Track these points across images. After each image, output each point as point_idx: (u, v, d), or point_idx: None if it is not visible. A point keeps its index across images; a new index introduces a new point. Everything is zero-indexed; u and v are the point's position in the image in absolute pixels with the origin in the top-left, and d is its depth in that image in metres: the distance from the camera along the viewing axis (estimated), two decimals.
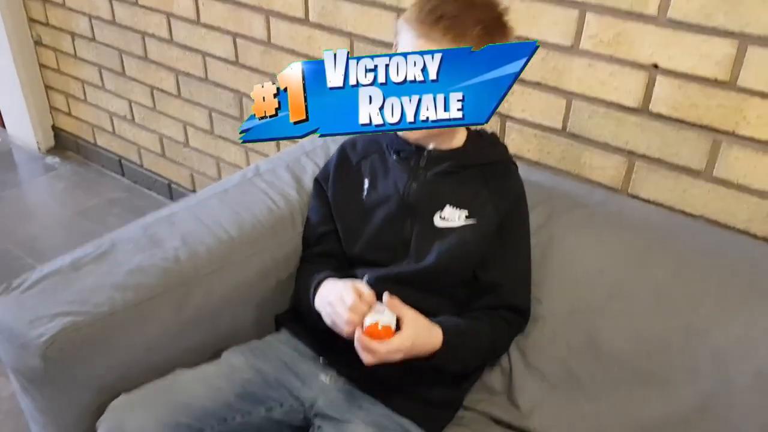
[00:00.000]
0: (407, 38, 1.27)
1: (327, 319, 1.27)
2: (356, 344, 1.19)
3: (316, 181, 1.56)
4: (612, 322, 1.38)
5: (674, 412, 1.30)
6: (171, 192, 3.03)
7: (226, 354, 1.38)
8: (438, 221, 1.38)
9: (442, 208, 1.38)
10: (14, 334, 1.24)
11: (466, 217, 1.37)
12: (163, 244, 1.42)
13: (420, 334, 1.22)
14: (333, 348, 1.39)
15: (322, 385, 1.37)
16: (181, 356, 1.37)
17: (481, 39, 1.22)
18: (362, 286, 1.24)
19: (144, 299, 1.32)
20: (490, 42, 1.23)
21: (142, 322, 1.32)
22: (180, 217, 1.51)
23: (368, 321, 1.19)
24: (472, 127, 1.46)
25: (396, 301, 1.21)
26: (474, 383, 1.46)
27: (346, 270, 1.43)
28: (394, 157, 1.43)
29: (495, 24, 1.28)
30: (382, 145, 1.47)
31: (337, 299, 1.24)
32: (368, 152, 1.49)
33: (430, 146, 1.40)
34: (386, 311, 1.20)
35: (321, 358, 1.40)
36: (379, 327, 1.18)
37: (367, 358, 1.19)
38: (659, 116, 1.53)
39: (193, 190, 2.90)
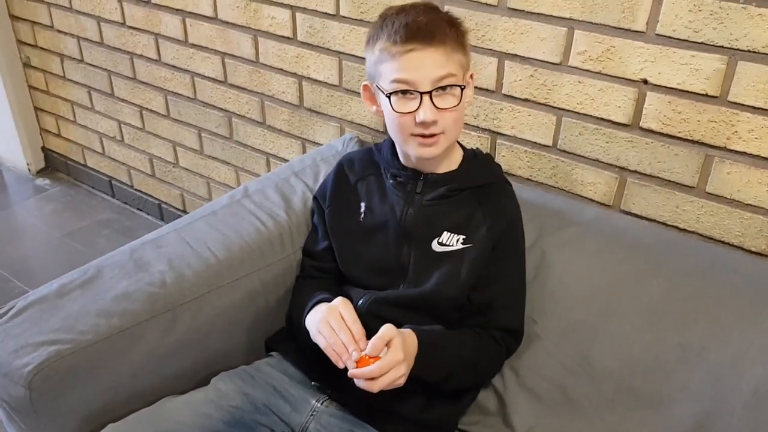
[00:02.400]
0: (394, 64, 1.26)
1: (319, 343, 1.25)
2: (356, 379, 1.17)
3: (315, 198, 1.56)
4: (606, 342, 1.36)
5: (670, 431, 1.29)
6: (161, 212, 3.01)
7: (214, 380, 1.36)
8: (436, 246, 1.37)
9: (440, 234, 1.37)
10: None
11: (463, 241, 1.35)
12: (149, 269, 1.41)
13: (406, 341, 1.20)
14: (325, 371, 1.37)
15: (313, 409, 1.34)
16: (169, 383, 1.35)
17: (456, 36, 1.28)
18: (352, 324, 1.22)
19: (130, 325, 1.30)
20: (462, 36, 1.30)
21: (128, 348, 1.30)
22: (167, 241, 1.50)
23: (356, 355, 1.18)
24: (467, 148, 1.46)
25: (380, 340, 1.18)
26: (468, 405, 1.44)
27: (341, 287, 1.44)
28: (391, 181, 1.42)
29: (456, 21, 1.32)
30: (380, 167, 1.46)
31: (329, 332, 1.22)
32: (365, 173, 1.48)
33: (427, 170, 1.39)
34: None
35: (313, 383, 1.38)
36: (369, 357, 1.17)
37: (370, 386, 1.16)
38: (650, 132, 1.52)
39: (184, 210, 2.88)
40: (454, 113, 1.28)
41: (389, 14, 1.30)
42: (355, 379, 1.17)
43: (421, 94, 1.25)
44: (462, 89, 1.27)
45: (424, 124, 1.26)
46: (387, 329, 1.18)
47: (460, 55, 1.28)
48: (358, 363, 1.17)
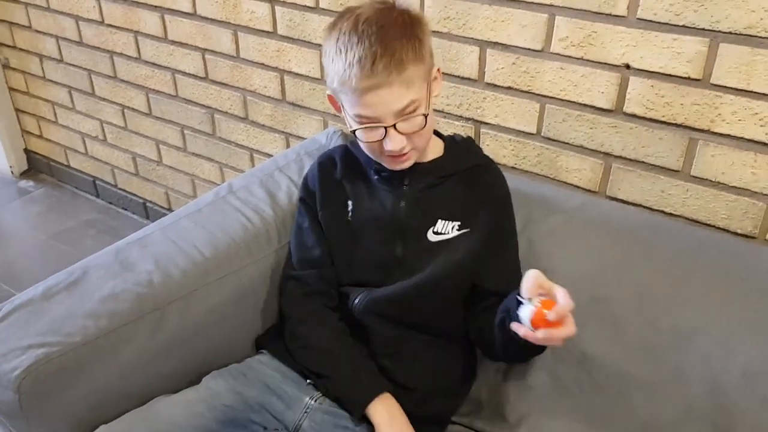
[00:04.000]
0: (354, 100, 1.23)
1: None
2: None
3: (302, 200, 1.51)
4: (596, 327, 1.37)
5: (662, 415, 1.29)
6: (147, 211, 2.99)
7: (206, 379, 1.35)
8: (432, 236, 1.36)
9: (434, 223, 1.36)
10: None
11: (459, 227, 1.35)
12: (135, 268, 1.39)
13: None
14: None
15: (307, 407, 1.34)
16: (160, 383, 1.34)
17: (414, 50, 1.22)
18: None
19: (117, 326, 1.28)
20: (420, 45, 1.23)
21: (117, 349, 1.28)
22: (152, 240, 1.48)
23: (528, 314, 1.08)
24: (446, 135, 1.45)
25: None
26: (464, 398, 1.45)
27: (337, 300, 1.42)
28: (376, 176, 1.41)
29: (410, 24, 1.25)
30: (361, 163, 1.44)
31: None
32: (348, 170, 1.46)
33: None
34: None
35: (308, 381, 1.37)
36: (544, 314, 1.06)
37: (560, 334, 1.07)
38: (634, 116, 1.52)
39: (169, 209, 2.87)
40: (423, 129, 1.27)
41: (341, 34, 1.24)
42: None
43: (386, 127, 1.24)
44: (425, 117, 1.25)
45: (392, 151, 1.27)
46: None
47: (420, 67, 1.23)
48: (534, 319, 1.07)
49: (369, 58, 1.18)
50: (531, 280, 1.09)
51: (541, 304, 1.06)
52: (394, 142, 1.25)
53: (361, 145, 1.33)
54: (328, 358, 1.35)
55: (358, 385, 1.30)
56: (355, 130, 1.28)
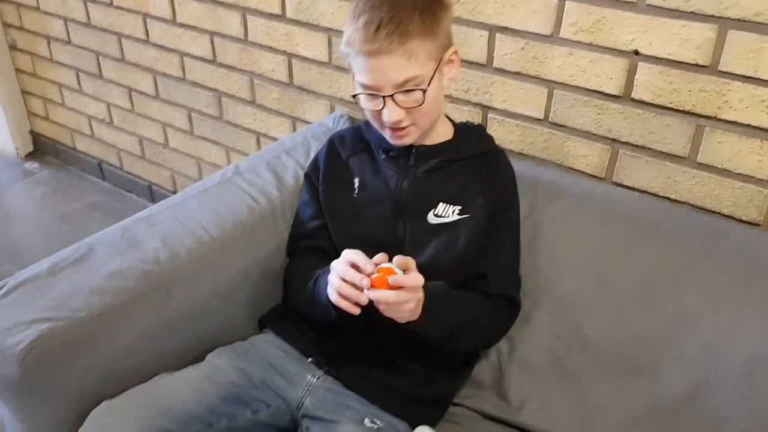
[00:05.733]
0: (358, 64, 1.25)
1: (334, 293, 1.19)
2: (374, 295, 1.14)
3: (307, 175, 1.54)
4: (600, 313, 1.37)
5: (663, 400, 1.30)
6: (152, 194, 3.00)
7: (210, 356, 1.36)
8: (432, 218, 1.36)
9: (435, 206, 1.37)
10: None
11: (459, 212, 1.35)
12: (142, 246, 1.40)
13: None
14: (322, 348, 1.38)
15: (309, 384, 1.34)
16: (164, 360, 1.35)
17: (424, 24, 1.22)
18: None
19: (123, 303, 1.29)
20: (434, 22, 1.23)
21: (122, 326, 1.29)
22: (159, 219, 1.49)
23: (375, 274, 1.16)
24: (458, 120, 1.46)
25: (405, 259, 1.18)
26: (465, 380, 1.45)
27: None
28: (383, 156, 1.41)
29: (429, 2, 1.26)
30: (371, 143, 1.45)
31: (341, 262, 1.20)
32: (356, 149, 1.48)
33: (418, 143, 1.38)
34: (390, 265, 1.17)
35: (309, 359, 1.38)
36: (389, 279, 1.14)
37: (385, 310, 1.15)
38: (641, 103, 1.52)
39: (174, 192, 2.86)
40: (423, 106, 1.27)
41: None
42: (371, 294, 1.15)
43: (384, 97, 1.25)
44: (424, 92, 1.25)
45: (389, 122, 1.28)
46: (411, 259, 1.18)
47: (428, 43, 1.24)
48: (375, 283, 1.15)
49: (374, 23, 1.20)
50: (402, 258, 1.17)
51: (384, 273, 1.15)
52: (392, 114, 1.26)
53: (365, 112, 1.35)
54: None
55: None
56: (356, 95, 1.30)
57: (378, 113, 1.29)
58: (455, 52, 1.31)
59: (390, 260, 1.18)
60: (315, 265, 1.36)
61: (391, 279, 1.13)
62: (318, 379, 1.35)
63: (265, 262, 1.52)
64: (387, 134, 1.34)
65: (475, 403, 1.43)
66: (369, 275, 1.15)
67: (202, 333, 1.41)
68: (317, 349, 1.39)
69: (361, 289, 1.15)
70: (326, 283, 1.22)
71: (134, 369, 1.31)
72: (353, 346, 1.36)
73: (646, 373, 1.32)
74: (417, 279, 1.15)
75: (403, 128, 1.30)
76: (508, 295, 1.40)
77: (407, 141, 1.34)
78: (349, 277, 1.16)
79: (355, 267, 1.17)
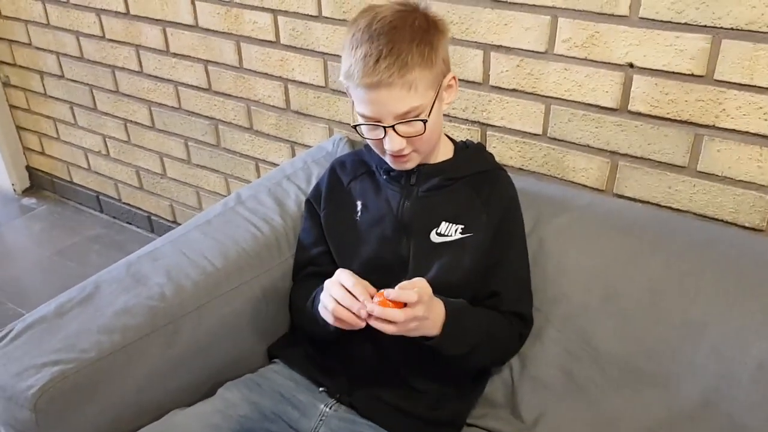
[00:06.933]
0: (358, 95, 1.26)
1: (330, 316, 1.20)
2: (375, 311, 1.14)
3: (308, 201, 1.54)
4: (609, 324, 1.37)
5: (678, 410, 1.30)
6: (151, 224, 2.99)
7: (221, 390, 1.35)
8: (435, 237, 1.36)
9: (438, 225, 1.37)
10: (2, 387, 1.21)
11: (462, 230, 1.35)
12: (147, 282, 1.40)
13: (434, 307, 1.20)
14: (333, 374, 1.37)
15: (322, 414, 1.34)
16: (175, 396, 1.34)
17: (423, 55, 1.22)
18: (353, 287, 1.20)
19: (131, 341, 1.29)
20: (431, 51, 1.24)
21: (131, 364, 1.29)
22: (163, 252, 1.49)
23: (377, 298, 1.16)
24: (458, 139, 1.46)
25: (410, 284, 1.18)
26: (477, 399, 1.45)
27: None
28: (384, 177, 1.42)
29: (425, 29, 1.25)
30: (371, 165, 1.46)
31: (335, 285, 1.21)
32: (357, 173, 1.48)
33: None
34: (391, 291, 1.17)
35: (321, 389, 1.37)
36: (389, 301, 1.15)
37: (387, 328, 1.15)
38: (639, 114, 1.52)
39: (174, 221, 2.87)
40: (424, 135, 1.27)
41: (356, 30, 1.25)
42: (372, 312, 1.15)
43: (385, 127, 1.26)
44: (425, 123, 1.26)
45: (391, 151, 1.29)
46: (421, 280, 1.19)
47: (427, 73, 1.24)
48: (380, 303, 1.15)
49: (374, 56, 1.20)
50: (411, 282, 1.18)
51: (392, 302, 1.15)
52: (393, 144, 1.27)
53: (367, 140, 1.35)
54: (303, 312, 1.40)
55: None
56: (357, 126, 1.30)
57: (380, 141, 1.29)
58: (453, 78, 1.32)
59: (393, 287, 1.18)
60: (315, 287, 1.36)
61: (386, 292, 1.15)
62: (331, 408, 1.34)
63: (271, 290, 1.51)
64: (388, 159, 1.35)
65: (489, 422, 1.42)
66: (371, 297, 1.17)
67: (212, 366, 1.41)
68: (327, 376, 1.38)
69: (359, 316, 1.16)
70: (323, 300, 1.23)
71: (146, 407, 1.30)
72: (363, 368, 1.35)
73: (659, 383, 1.31)
74: (411, 295, 1.14)
75: (406, 155, 1.31)
76: (521, 312, 1.40)
77: (409, 166, 1.34)
78: (347, 304, 1.17)
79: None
